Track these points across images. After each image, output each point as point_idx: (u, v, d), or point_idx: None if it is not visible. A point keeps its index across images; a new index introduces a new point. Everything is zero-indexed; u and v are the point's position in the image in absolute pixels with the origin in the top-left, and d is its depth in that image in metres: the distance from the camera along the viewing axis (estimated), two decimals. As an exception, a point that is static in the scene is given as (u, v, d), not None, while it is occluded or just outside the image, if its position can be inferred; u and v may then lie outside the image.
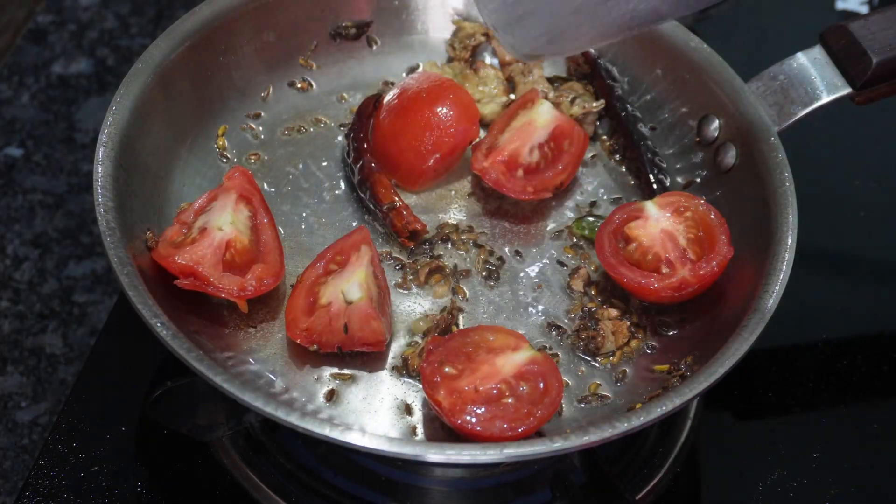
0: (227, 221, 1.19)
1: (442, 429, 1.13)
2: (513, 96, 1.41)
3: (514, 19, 1.04)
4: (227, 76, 1.36)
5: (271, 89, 1.39)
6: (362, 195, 1.30)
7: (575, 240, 1.31)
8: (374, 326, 1.15)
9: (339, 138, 1.37)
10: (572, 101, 1.37)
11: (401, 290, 1.24)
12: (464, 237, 1.30)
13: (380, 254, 1.25)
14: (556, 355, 1.21)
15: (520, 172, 1.30)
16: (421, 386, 1.13)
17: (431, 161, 1.30)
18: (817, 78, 1.30)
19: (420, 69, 1.44)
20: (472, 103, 1.33)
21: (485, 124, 1.37)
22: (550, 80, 1.42)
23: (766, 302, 1.14)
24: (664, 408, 1.05)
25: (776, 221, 1.21)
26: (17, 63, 1.71)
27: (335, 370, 1.17)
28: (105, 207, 1.14)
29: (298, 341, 1.16)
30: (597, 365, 1.21)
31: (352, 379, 1.17)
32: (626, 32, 1.06)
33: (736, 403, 1.31)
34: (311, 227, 1.29)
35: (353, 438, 1.02)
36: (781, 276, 1.16)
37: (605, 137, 1.40)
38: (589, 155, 1.38)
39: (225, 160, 1.33)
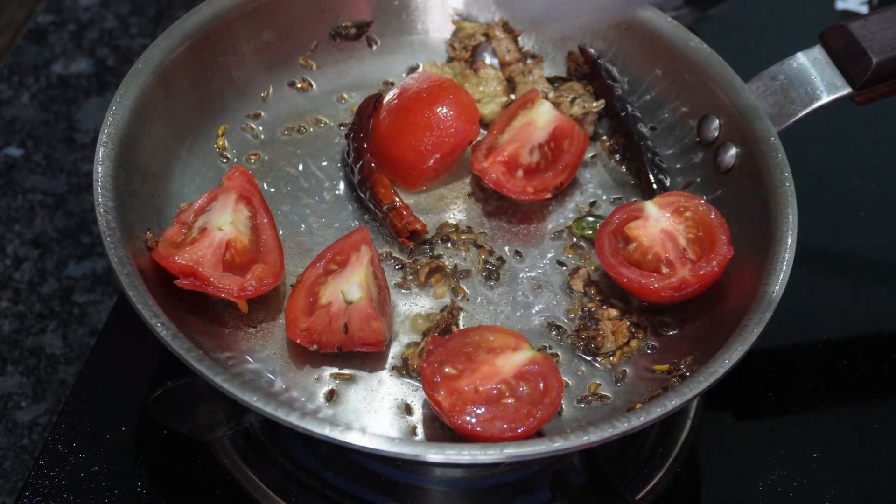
0: (227, 221, 1.19)
1: (442, 429, 1.13)
2: (513, 96, 1.41)
3: None
4: (227, 76, 1.36)
5: (271, 89, 1.39)
6: (362, 195, 1.30)
7: (575, 240, 1.31)
8: (374, 326, 1.15)
9: (340, 138, 1.37)
10: (572, 101, 1.37)
11: (401, 290, 1.24)
12: (464, 237, 1.30)
13: (380, 254, 1.25)
14: (556, 355, 1.21)
15: (520, 173, 1.30)
16: (421, 386, 1.13)
17: (431, 161, 1.30)
18: (817, 78, 1.30)
19: (420, 69, 1.44)
20: (472, 103, 1.33)
21: (485, 124, 1.37)
22: (550, 80, 1.42)
23: (766, 302, 1.14)
24: (664, 408, 1.05)
25: (776, 221, 1.21)
26: (17, 63, 1.71)
27: (335, 370, 1.17)
28: (105, 207, 1.14)
29: (298, 341, 1.16)
30: (597, 365, 1.21)
31: (352, 379, 1.17)
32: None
33: (736, 403, 1.31)
34: (311, 227, 1.29)
35: (353, 438, 1.02)
36: (781, 276, 1.16)
37: (605, 137, 1.40)
38: (589, 155, 1.38)
39: (225, 160, 1.33)
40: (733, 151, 1.31)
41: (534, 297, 1.25)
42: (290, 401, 1.13)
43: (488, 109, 1.38)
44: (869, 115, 1.42)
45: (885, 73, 1.29)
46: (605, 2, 1.05)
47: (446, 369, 1.11)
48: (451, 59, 1.44)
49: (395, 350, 1.19)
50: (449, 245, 1.29)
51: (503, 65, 1.44)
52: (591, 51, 1.41)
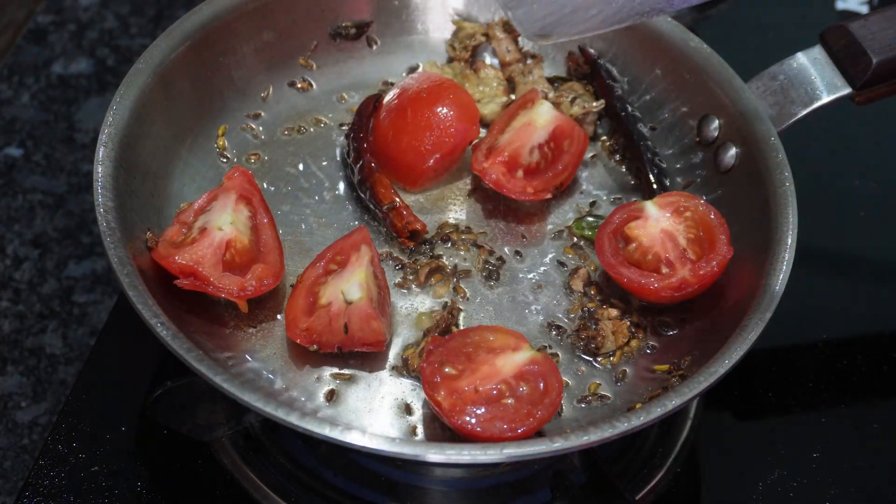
0: (227, 221, 1.19)
1: (442, 429, 1.13)
2: (513, 96, 1.41)
3: None
4: (227, 76, 1.36)
5: (271, 89, 1.39)
6: (362, 195, 1.30)
7: (575, 240, 1.31)
8: (374, 326, 1.15)
9: (340, 138, 1.37)
10: (572, 101, 1.37)
11: (401, 290, 1.24)
12: (464, 237, 1.30)
13: (380, 254, 1.25)
14: (556, 355, 1.21)
15: (520, 173, 1.30)
16: (421, 386, 1.13)
17: (431, 161, 1.30)
18: (817, 78, 1.30)
19: (420, 69, 1.44)
20: (472, 103, 1.33)
21: (485, 124, 1.37)
22: (550, 80, 1.42)
23: (765, 302, 1.14)
24: (664, 408, 1.05)
25: (776, 221, 1.21)
26: (17, 63, 1.71)
27: (335, 370, 1.17)
28: (105, 207, 1.14)
29: (298, 341, 1.16)
30: (597, 365, 1.21)
31: (352, 379, 1.17)
32: (634, 18, 1.06)
33: (736, 403, 1.31)
34: (311, 227, 1.29)
35: (353, 438, 1.02)
36: (781, 276, 1.16)
37: (605, 137, 1.40)
38: (589, 155, 1.38)
39: (225, 160, 1.33)
40: (733, 151, 1.31)
41: (534, 297, 1.25)
42: (290, 401, 1.13)
43: (488, 109, 1.38)
44: (869, 115, 1.42)
45: (885, 73, 1.29)
46: (612, 13, 1.05)
47: (446, 369, 1.11)
48: (451, 59, 1.44)
49: (395, 350, 1.19)
50: (449, 245, 1.29)
51: (503, 65, 1.44)
52: (591, 51, 1.41)
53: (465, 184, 1.35)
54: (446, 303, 1.23)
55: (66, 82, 1.69)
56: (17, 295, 1.46)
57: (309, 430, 1.02)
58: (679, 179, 1.35)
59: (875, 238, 1.50)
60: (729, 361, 1.09)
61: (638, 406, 1.10)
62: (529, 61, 1.42)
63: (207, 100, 1.34)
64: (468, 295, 1.25)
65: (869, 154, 1.61)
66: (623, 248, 1.23)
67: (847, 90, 1.30)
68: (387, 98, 1.33)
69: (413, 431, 1.14)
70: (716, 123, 1.33)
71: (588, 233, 1.31)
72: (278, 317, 1.20)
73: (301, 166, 1.34)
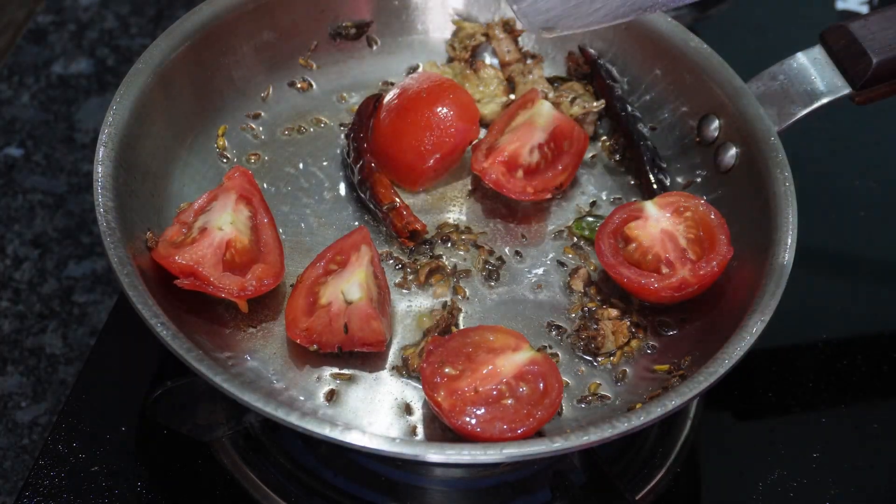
0: (227, 221, 1.19)
1: (442, 429, 1.13)
2: (513, 96, 1.41)
3: None
4: (227, 76, 1.36)
5: (271, 89, 1.39)
6: (362, 195, 1.30)
7: (575, 240, 1.31)
8: (374, 326, 1.15)
9: (340, 138, 1.37)
10: (572, 101, 1.37)
11: (401, 290, 1.24)
12: (464, 237, 1.30)
13: (380, 254, 1.25)
14: (556, 355, 1.21)
15: (520, 173, 1.30)
16: (421, 386, 1.12)
17: (431, 161, 1.30)
18: (817, 78, 1.30)
19: (420, 69, 1.44)
20: (472, 103, 1.33)
21: (485, 124, 1.37)
22: (550, 80, 1.42)
23: (766, 302, 1.14)
24: (664, 408, 1.05)
25: (776, 221, 1.21)
26: (17, 63, 1.71)
27: (335, 370, 1.17)
28: (105, 207, 1.14)
29: (298, 341, 1.16)
30: (597, 365, 1.21)
31: (352, 379, 1.17)
32: (637, 13, 1.07)
33: (736, 403, 1.31)
34: (311, 227, 1.29)
35: (353, 438, 1.02)
36: (781, 276, 1.16)
37: (605, 137, 1.40)
38: (589, 155, 1.38)
39: (225, 160, 1.33)
40: (733, 151, 1.31)
41: (534, 297, 1.25)
42: (290, 401, 1.13)
43: (488, 109, 1.38)
44: (869, 115, 1.42)
45: (885, 73, 1.29)
46: (615, 7, 1.06)
47: (446, 369, 1.11)
48: (451, 59, 1.44)
49: (395, 350, 1.19)
50: (449, 245, 1.29)
51: (503, 65, 1.44)
52: (591, 51, 1.41)
53: (465, 184, 1.35)
54: (446, 303, 1.23)
55: (66, 82, 1.69)
56: (17, 295, 1.46)
57: (309, 430, 1.02)
58: (679, 179, 1.35)
59: (875, 238, 1.50)
60: (729, 361, 1.09)
61: (638, 406, 1.10)
62: (529, 61, 1.42)
63: (207, 100, 1.34)
64: (468, 295, 1.25)
65: (869, 154, 1.61)
66: (623, 248, 1.23)
67: (847, 90, 1.30)
68: (387, 98, 1.33)
69: (413, 431, 1.14)
70: (716, 123, 1.33)
71: (588, 233, 1.31)
72: (278, 317, 1.20)
73: (301, 166, 1.34)
